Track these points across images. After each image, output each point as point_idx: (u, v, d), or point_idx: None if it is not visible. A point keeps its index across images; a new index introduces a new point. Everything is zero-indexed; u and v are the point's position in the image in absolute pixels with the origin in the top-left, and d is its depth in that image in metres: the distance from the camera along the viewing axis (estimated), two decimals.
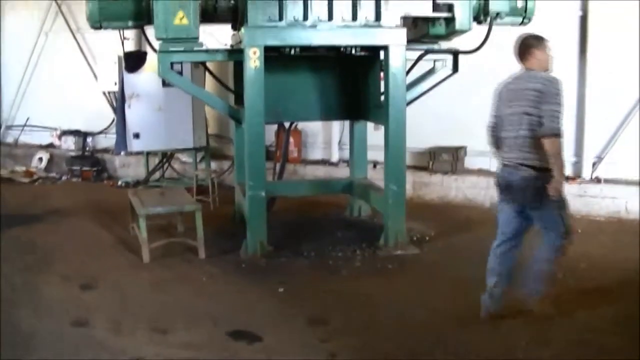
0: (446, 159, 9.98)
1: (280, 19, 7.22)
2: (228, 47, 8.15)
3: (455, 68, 8.19)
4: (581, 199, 9.17)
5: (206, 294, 6.32)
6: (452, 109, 9.81)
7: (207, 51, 7.41)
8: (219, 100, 8.03)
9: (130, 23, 7.59)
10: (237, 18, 7.56)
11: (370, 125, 8.88)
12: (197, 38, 7.23)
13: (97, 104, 12.17)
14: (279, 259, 7.28)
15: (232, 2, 7.45)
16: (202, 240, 7.28)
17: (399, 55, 7.38)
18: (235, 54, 7.49)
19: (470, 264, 6.47)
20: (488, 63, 8.32)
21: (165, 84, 10.08)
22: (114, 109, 11.72)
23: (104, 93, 11.85)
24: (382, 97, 7.79)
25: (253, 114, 7.21)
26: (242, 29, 7.19)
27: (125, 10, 7.35)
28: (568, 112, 9.35)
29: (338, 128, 10.79)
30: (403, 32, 7.40)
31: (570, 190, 9.16)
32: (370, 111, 8.21)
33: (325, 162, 10.87)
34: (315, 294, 6.28)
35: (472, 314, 5.56)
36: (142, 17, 7.46)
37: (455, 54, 8.14)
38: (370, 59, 8.03)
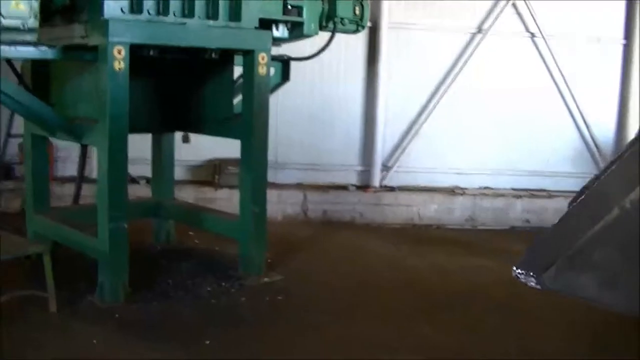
0: (233, 172, 9.25)
1: (135, 12, 5.91)
2: None
3: (286, 76, 7.61)
4: (377, 208, 9.29)
5: None
6: None
7: (56, 48, 5.77)
8: (49, 110, 6.25)
9: None
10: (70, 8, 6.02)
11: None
12: (35, 30, 5.58)
13: None
14: (151, 303, 5.99)
15: None
16: (53, 290, 5.64)
17: (265, 61, 6.61)
18: (86, 53, 5.92)
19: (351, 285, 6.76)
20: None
21: None
22: None
23: None
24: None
25: (116, 128, 5.80)
26: (98, 22, 5.71)
27: None
28: (357, 121, 9.63)
29: None
30: (269, 35, 6.65)
31: (365, 200, 9.35)
32: (214, 123, 7.17)
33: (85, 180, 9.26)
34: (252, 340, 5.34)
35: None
36: None
37: (287, 61, 7.57)
38: (217, 64, 7.02)
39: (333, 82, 9.42)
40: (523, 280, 4.14)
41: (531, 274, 4.12)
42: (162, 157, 7.78)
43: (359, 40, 9.37)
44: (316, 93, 9.43)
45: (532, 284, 4.17)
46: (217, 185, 9.28)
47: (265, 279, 6.79)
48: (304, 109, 9.49)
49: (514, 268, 4.21)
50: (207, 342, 5.26)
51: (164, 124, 7.44)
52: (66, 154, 9.34)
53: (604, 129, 9.88)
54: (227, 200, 9.21)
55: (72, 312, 5.69)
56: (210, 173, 9.37)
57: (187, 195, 8.89)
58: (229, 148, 9.19)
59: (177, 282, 6.55)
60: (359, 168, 9.67)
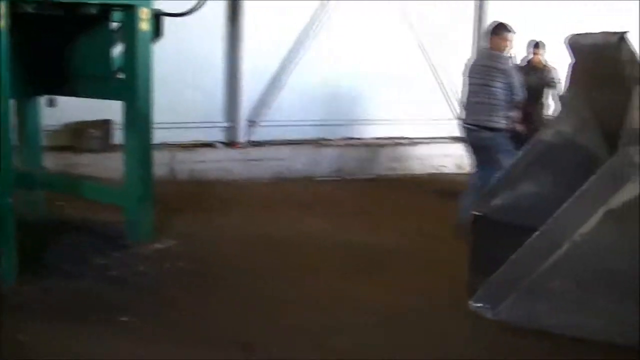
0: (95, 136, 8.75)
1: None
2: None
3: (158, 32, 7.22)
4: (245, 164, 9.18)
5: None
6: None
7: None
8: None
9: None
10: None
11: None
12: None
13: None
14: (47, 282, 5.53)
15: None
16: None
17: (147, 16, 6.26)
18: None
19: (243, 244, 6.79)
20: None
21: None
22: None
23: None
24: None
25: None
26: None
27: None
28: (219, 76, 9.32)
29: None
30: None
31: (233, 156, 9.21)
32: (92, 84, 6.67)
33: None
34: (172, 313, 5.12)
35: None
36: None
37: (160, 16, 7.18)
38: (91, 21, 6.50)
39: (193, 37, 9.05)
40: (481, 312, 4.33)
41: (487, 306, 4.36)
42: (27, 124, 7.17)
43: None
44: (176, 49, 8.99)
45: (489, 315, 4.38)
46: (78, 150, 8.73)
47: (158, 245, 6.52)
48: (163, 66, 9.01)
49: (471, 302, 4.39)
50: (124, 318, 4.98)
51: (31, 89, 6.84)
52: None
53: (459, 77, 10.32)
54: (90, 165, 8.69)
55: None
56: (69, 137, 8.79)
57: (47, 162, 8.29)
58: (87, 110, 8.74)
59: (67, 257, 6.11)
60: (225, 124, 9.48)
